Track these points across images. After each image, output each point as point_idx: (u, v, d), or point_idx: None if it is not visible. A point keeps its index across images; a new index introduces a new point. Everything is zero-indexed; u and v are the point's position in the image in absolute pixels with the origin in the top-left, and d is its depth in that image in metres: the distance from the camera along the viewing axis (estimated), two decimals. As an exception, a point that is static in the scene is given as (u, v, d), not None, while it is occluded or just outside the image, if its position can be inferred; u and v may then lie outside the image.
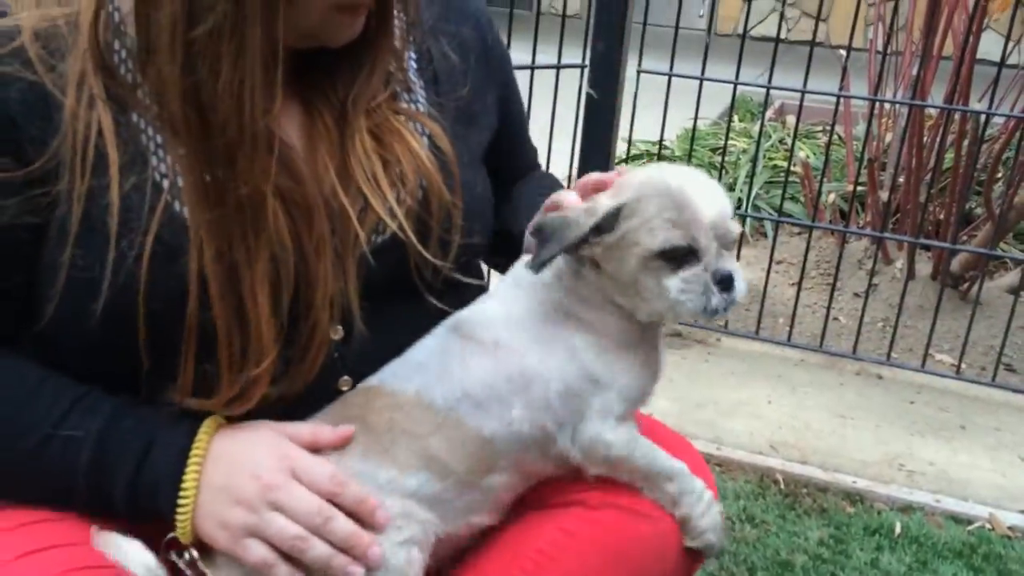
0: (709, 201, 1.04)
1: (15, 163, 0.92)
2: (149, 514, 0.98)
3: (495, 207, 1.24)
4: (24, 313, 0.98)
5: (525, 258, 1.11)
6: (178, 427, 0.98)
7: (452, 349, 1.08)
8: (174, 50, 0.86)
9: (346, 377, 1.07)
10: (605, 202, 1.05)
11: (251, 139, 0.89)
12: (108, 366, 0.98)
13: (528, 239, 1.18)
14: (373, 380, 1.08)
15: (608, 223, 1.03)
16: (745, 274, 1.08)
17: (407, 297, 1.10)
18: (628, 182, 1.06)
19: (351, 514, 0.99)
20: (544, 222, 1.05)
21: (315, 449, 1.01)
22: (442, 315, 1.12)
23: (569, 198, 1.09)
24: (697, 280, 1.04)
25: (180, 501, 0.96)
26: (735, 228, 1.07)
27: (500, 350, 1.06)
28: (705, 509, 1.14)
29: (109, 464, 0.96)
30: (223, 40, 0.85)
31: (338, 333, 1.05)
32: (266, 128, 0.90)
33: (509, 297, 1.12)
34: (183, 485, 0.96)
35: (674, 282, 1.03)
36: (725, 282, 1.05)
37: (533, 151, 1.45)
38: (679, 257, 1.03)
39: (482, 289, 1.23)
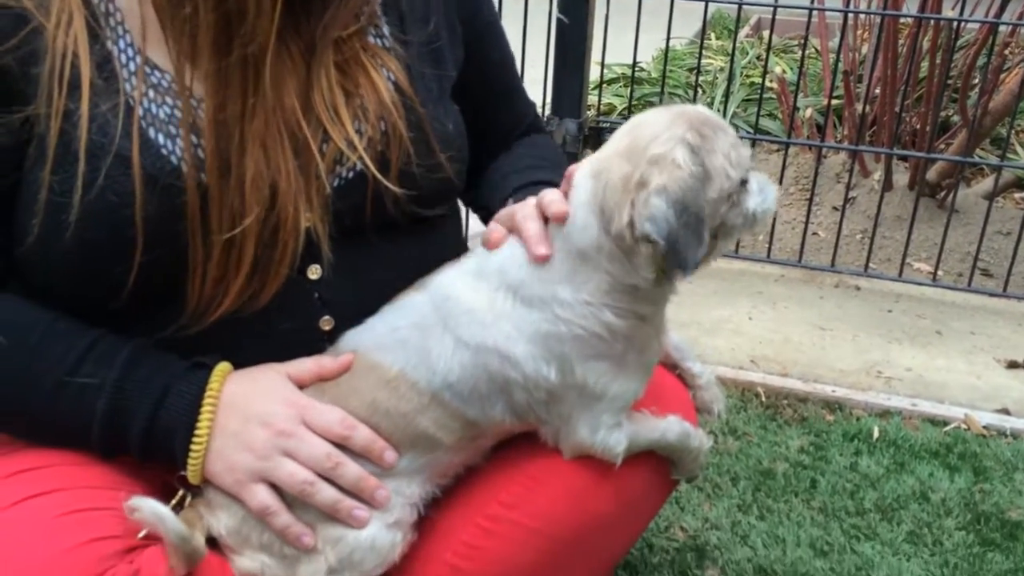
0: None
1: None
2: (161, 458, 1.02)
3: (481, 167, 1.24)
4: (7, 240, 1.00)
5: (514, 254, 1.05)
6: (191, 375, 1.02)
7: (433, 333, 1.04)
8: None
9: (327, 317, 1.09)
10: (679, 156, 0.96)
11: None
12: (89, 291, 1.01)
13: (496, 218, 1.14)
14: (354, 341, 1.08)
15: (704, 170, 0.97)
16: None
17: (379, 234, 1.11)
18: (657, 133, 0.98)
19: (360, 457, 1.03)
20: (664, 226, 0.94)
21: (320, 381, 1.05)
22: (417, 252, 1.14)
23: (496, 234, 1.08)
24: (760, 181, 1.04)
25: (193, 446, 1.00)
26: None
27: (482, 353, 1.02)
28: (695, 457, 1.19)
29: (125, 412, 1.00)
30: None
31: (316, 272, 1.07)
32: None
33: (497, 302, 1.03)
34: (197, 431, 1.00)
35: (755, 199, 1.03)
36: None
37: (527, 106, 1.42)
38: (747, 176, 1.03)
39: (458, 227, 1.25)
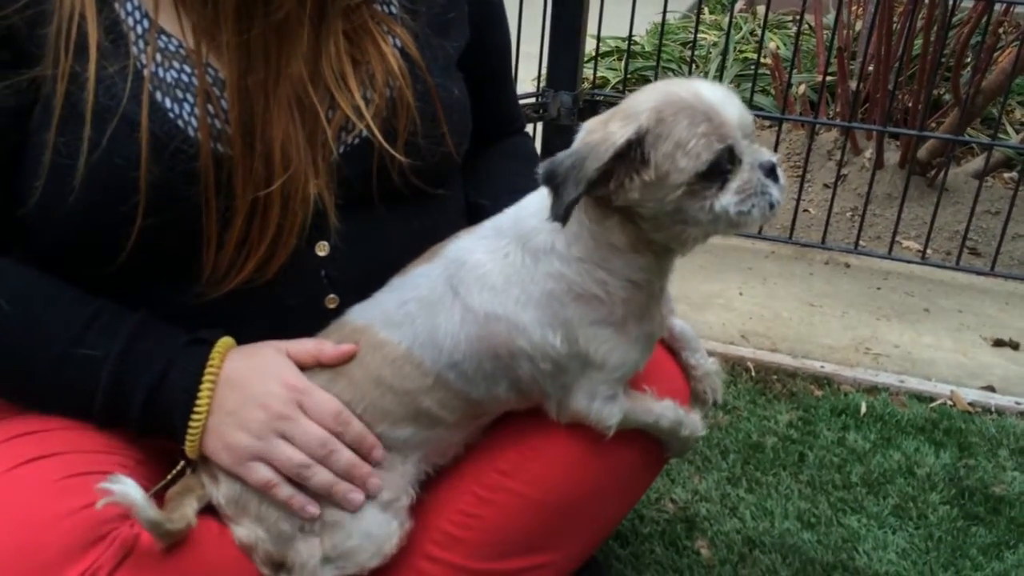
0: (726, 100, 0.96)
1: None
2: (161, 432, 1.02)
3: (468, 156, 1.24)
4: (9, 201, 1.00)
5: (529, 204, 1.06)
6: (193, 350, 1.02)
7: (442, 306, 1.04)
8: None
9: (332, 295, 1.09)
10: (620, 130, 0.95)
11: None
12: (92, 254, 1.00)
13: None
14: (362, 315, 1.08)
15: (633, 151, 0.94)
16: None
17: (386, 206, 1.11)
18: (633, 108, 0.97)
19: (351, 449, 1.04)
20: (555, 163, 0.96)
21: (318, 366, 1.05)
22: (423, 229, 1.14)
23: None
24: (752, 184, 0.97)
25: (191, 422, 1.00)
26: (751, 118, 1.00)
27: (490, 323, 1.03)
28: (686, 438, 1.20)
29: (127, 385, 1.00)
30: None
31: (324, 249, 1.07)
32: None
33: (509, 257, 1.04)
34: (196, 407, 1.00)
35: (728, 198, 0.96)
36: (772, 170, 0.98)
37: (517, 106, 1.42)
38: (723, 169, 0.96)
39: (460, 206, 1.24)
